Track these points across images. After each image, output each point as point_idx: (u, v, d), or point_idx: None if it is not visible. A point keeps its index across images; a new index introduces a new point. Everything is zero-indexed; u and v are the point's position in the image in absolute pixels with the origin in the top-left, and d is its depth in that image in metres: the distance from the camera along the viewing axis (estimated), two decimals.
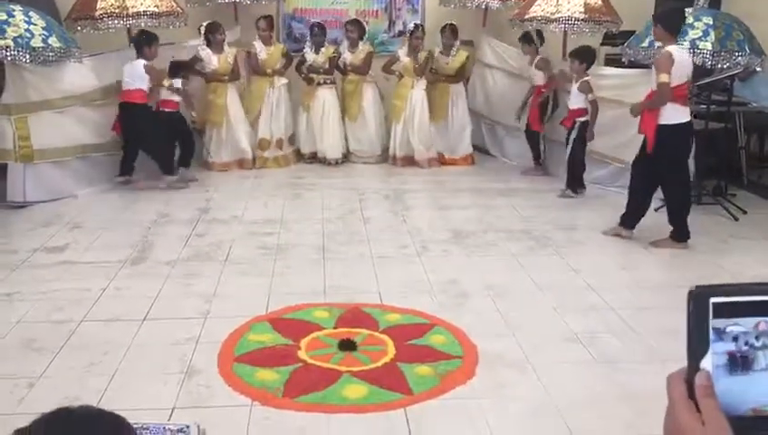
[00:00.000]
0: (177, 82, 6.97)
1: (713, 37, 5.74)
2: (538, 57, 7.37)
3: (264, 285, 4.53)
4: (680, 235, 5.28)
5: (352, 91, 8.13)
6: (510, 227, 5.83)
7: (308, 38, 8.18)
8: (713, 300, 0.73)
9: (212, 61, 7.59)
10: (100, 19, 7.07)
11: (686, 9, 5.47)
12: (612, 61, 7.88)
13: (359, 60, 8.08)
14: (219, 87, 7.64)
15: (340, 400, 3.21)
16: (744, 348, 0.73)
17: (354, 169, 8.08)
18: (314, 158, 8.18)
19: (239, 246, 5.31)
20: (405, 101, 7.94)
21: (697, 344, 0.74)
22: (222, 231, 5.65)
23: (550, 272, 4.83)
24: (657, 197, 5.54)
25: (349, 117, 8.18)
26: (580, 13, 7.33)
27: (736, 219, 6.10)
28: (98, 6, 7.05)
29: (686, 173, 5.27)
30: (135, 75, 6.62)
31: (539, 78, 7.43)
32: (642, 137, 5.22)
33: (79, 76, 6.56)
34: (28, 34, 5.90)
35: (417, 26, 7.94)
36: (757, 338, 0.73)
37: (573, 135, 6.61)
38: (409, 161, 8.03)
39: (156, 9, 7.24)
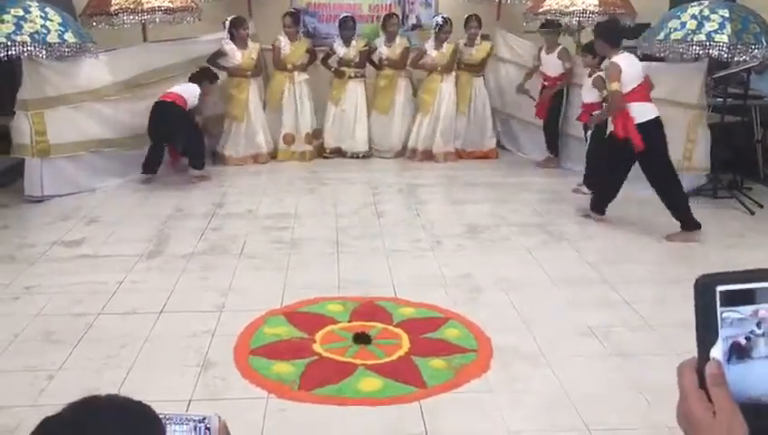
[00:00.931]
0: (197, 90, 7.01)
1: (729, 30, 5.68)
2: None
3: (279, 278, 4.56)
4: (690, 225, 5.34)
5: (386, 86, 8.10)
6: (524, 221, 5.82)
7: (336, 32, 8.15)
8: (719, 288, 0.73)
9: (236, 56, 7.63)
10: (115, 15, 7.12)
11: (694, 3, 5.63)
12: None
13: (396, 54, 8.07)
14: (242, 82, 7.68)
15: (355, 393, 3.23)
16: (749, 334, 0.72)
17: (371, 163, 8.08)
18: (338, 152, 8.18)
19: (254, 240, 5.34)
20: (434, 96, 7.95)
21: (706, 334, 0.73)
22: (237, 225, 5.69)
23: (564, 266, 4.83)
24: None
25: (379, 111, 8.15)
26: (595, 6, 7.29)
27: (752, 213, 6.07)
28: (113, 2, 7.09)
29: (671, 165, 5.43)
30: (189, 92, 6.82)
31: (553, 69, 7.38)
32: (610, 129, 5.50)
33: (94, 71, 6.61)
34: (44, 30, 5.94)
35: (445, 20, 7.91)
36: (758, 325, 0.72)
37: (591, 130, 6.57)
38: (428, 155, 8.03)
39: (170, 4, 7.27)
